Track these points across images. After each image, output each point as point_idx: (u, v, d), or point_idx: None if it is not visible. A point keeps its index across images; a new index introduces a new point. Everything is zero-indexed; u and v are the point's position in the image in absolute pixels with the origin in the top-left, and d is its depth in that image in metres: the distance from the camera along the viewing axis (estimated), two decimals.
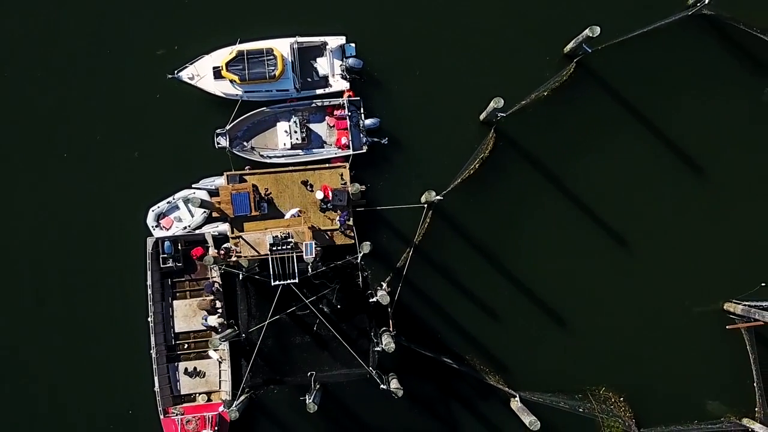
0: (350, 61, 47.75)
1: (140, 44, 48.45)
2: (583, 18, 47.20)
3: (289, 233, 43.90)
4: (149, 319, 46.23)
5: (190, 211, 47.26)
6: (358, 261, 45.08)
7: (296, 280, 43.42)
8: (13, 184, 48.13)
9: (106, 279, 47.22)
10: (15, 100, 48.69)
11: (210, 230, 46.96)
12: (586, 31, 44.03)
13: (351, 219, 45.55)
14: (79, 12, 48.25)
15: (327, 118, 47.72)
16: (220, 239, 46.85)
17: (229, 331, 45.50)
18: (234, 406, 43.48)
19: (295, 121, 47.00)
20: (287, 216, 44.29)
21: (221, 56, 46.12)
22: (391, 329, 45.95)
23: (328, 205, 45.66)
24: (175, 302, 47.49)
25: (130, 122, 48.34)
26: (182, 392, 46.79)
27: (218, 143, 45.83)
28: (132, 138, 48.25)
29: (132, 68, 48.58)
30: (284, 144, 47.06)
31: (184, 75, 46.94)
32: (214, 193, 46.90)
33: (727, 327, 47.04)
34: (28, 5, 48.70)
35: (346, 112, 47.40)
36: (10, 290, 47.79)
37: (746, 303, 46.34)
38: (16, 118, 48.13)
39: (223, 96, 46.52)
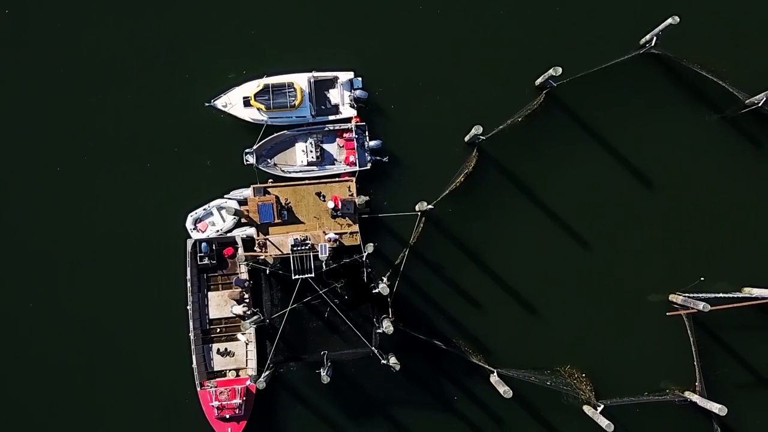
0: (357, 92, 49.84)
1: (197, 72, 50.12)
2: (553, 55, 49.22)
3: (307, 236, 46.75)
4: (188, 307, 48.22)
5: (222, 216, 48.99)
6: (363, 259, 47.55)
7: (312, 275, 46.30)
8: (84, 193, 50.14)
9: (152, 274, 49.44)
10: (99, 120, 50.13)
11: (239, 233, 48.91)
12: (551, 71, 46.69)
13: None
14: (155, 41, 50.64)
15: (337, 139, 49.90)
16: (248, 241, 48.44)
17: (256, 317, 47.73)
18: (261, 378, 46.26)
19: (311, 142, 49.36)
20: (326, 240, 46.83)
21: (250, 88, 48.61)
22: (390, 316, 48.30)
23: (338, 212, 47.87)
24: (209, 293, 49.36)
25: (172, 142, 50.11)
26: (215, 369, 48.95)
27: (246, 160, 48.30)
28: (177, 155, 50.03)
29: (188, 95, 49.96)
30: (301, 161, 49.49)
31: (219, 103, 48.97)
32: (242, 202, 48.49)
33: (667, 314, 49.16)
34: (118, 35, 50.37)
35: (354, 134, 49.43)
36: (72, 280, 49.70)
37: (686, 294, 48.69)
38: (98, 137, 50.13)
39: (251, 121, 49.00)
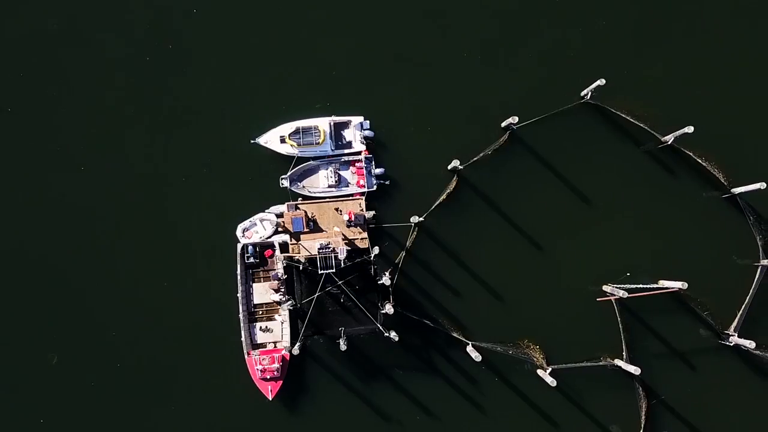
0: (366, 132, 56.59)
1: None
2: (515, 103, 56.56)
3: (329, 241, 54.34)
4: (238, 294, 54.66)
5: (264, 226, 55.75)
6: (371, 258, 53.98)
7: (334, 270, 53.05)
8: (168, 212, 57.95)
9: (212, 270, 56.50)
10: (175, 152, 57.42)
11: (277, 239, 55.67)
12: (510, 119, 54.86)
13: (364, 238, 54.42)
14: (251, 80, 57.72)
15: (351, 167, 56.64)
16: (283, 245, 55.50)
17: (289, 302, 54.87)
18: (295, 347, 53.80)
19: (330, 170, 56.36)
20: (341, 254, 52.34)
21: (285, 129, 56.23)
22: (391, 301, 54.03)
23: (352, 223, 55.23)
24: (254, 285, 55.97)
25: (227, 170, 57.53)
26: (258, 342, 55.53)
27: (282, 184, 55.56)
28: (231, 180, 57.09)
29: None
30: (324, 184, 56.33)
31: (261, 140, 56.24)
32: (279, 215, 55.74)
33: (597, 299, 56.51)
34: (206, 74, 57.47)
35: (363, 164, 56.09)
36: (152, 274, 56.57)
37: (614, 285, 56.04)
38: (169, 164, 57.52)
39: (285, 154, 56.24)
